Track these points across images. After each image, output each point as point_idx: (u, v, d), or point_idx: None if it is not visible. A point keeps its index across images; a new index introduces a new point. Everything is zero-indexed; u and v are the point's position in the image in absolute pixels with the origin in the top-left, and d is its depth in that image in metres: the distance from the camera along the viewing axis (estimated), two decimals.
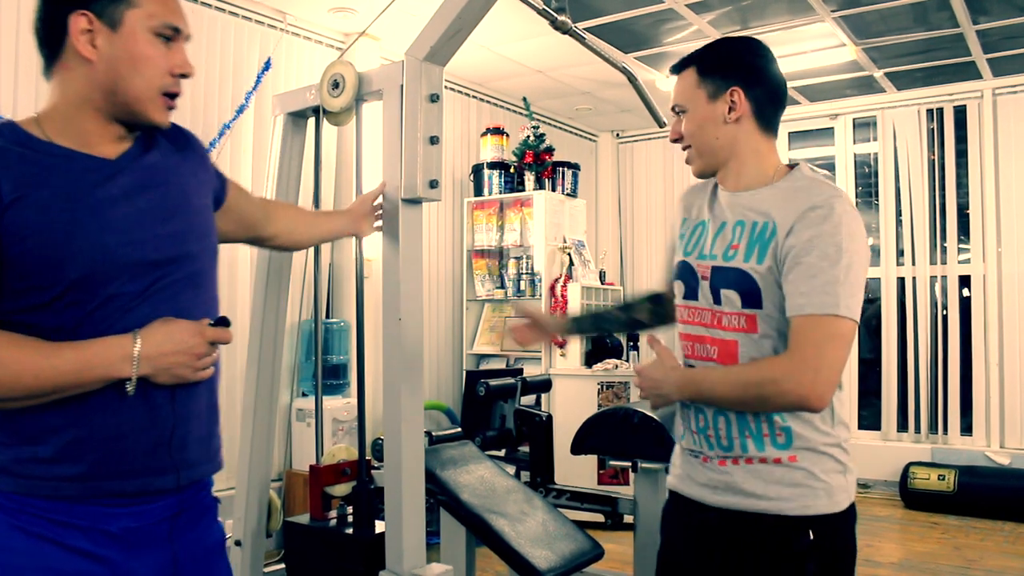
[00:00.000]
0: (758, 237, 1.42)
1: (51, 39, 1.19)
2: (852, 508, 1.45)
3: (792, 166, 1.50)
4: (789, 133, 6.20)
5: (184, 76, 1.24)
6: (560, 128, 6.36)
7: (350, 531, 2.29)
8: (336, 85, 2.02)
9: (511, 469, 2.65)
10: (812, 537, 1.38)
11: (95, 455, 1.14)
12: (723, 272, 1.45)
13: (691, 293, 1.52)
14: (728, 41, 1.58)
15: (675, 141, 1.56)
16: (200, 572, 1.27)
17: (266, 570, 2.37)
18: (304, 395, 4.18)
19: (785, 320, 1.38)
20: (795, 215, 1.37)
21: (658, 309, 1.78)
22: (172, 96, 1.24)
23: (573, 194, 5.39)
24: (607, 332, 1.78)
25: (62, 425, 1.13)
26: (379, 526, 2.18)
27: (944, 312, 5.59)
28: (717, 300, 1.46)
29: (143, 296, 1.18)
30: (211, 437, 1.31)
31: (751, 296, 1.41)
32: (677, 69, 1.55)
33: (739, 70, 1.48)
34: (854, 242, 1.35)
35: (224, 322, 1.24)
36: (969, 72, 5.22)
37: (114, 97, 1.19)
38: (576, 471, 4.06)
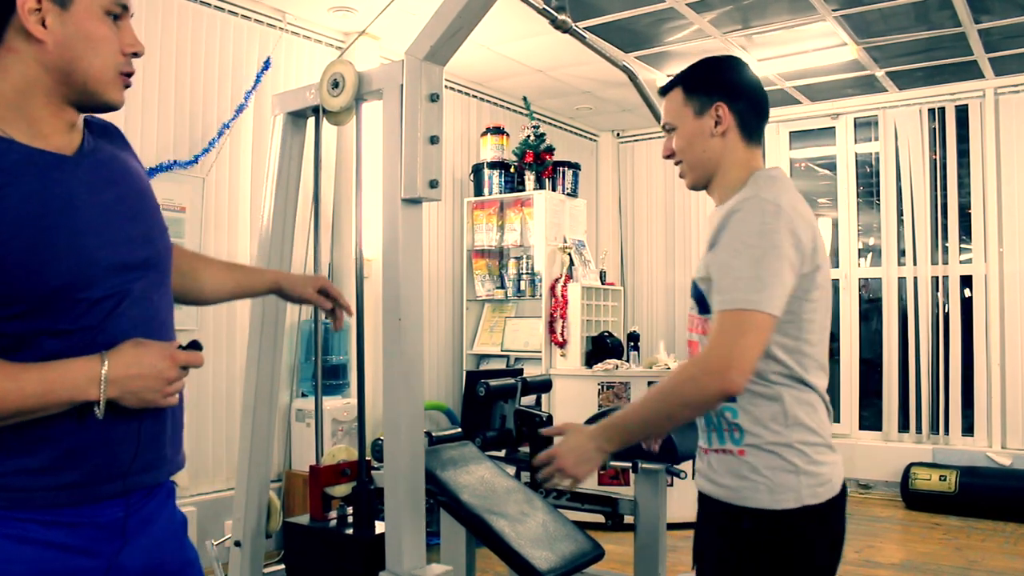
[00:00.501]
0: (707, 249, 1.53)
1: None
2: (809, 511, 1.43)
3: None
4: (790, 133, 6.20)
5: (136, 55, 1.20)
6: (560, 128, 6.36)
7: (350, 532, 2.28)
8: (336, 84, 2.02)
9: (511, 470, 2.64)
10: (746, 526, 1.45)
11: (93, 461, 1.13)
12: (693, 283, 1.59)
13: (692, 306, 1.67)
14: (710, 60, 1.67)
15: (667, 157, 1.67)
16: (173, 550, 1.29)
17: (266, 571, 2.37)
18: (304, 395, 4.17)
19: None
20: (719, 223, 1.48)
21: None
22: (128, 75, 1.20)
23: (573, 194, 5.38)
24: None
25: (57, 435, 1.10)
26: (379, 526, 2.18)
27: (945, 312, 5.58)
28: (692, 307, 1.62)
29: (123, 299, 1.15)
30: (182, 429, 1.32)
31: (700, 302, 1.54)
32: (665, 91, 1.66)
33: (722, 86, 1.59)
34: (766, 237, 1.39)
35: (195, 345, 1.19)
36: (971, 71, 5.21)
37: (69, 79, 1.14)
38: None
